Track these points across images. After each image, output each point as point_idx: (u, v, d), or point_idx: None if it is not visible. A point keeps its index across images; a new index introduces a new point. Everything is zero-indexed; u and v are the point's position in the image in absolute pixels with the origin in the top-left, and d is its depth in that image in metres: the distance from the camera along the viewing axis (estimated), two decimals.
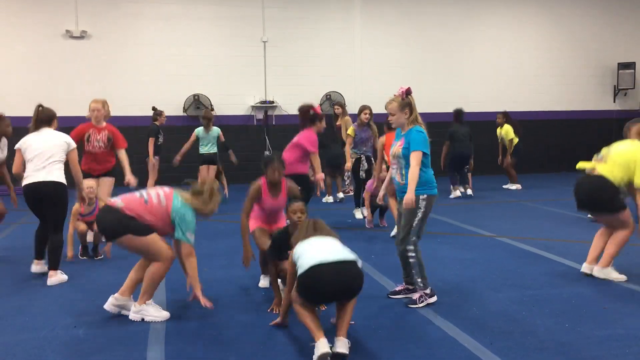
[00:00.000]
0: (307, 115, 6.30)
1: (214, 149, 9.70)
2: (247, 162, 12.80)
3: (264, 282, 5.05)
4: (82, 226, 6.23)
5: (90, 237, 6.46)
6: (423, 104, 13.82)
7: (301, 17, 13.17)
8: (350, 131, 8.28)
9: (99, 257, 6.23)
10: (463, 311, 4.39)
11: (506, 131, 11.36)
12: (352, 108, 13.21)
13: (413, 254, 4.51)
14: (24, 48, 11.91)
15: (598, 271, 5.19)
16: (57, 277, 5.27)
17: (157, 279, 4.27)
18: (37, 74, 11.94)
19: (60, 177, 5.33)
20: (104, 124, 6.59)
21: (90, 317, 4.36)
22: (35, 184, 5.24)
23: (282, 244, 4.30)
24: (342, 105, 10.37)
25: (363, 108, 8.28)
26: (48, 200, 5.29)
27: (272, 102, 12.99)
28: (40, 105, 5.61)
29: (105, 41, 12.28)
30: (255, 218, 4.93)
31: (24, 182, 5.31)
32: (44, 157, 5.27)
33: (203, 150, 9.67)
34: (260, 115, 13.10)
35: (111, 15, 12.29)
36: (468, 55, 14.12)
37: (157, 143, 10.06)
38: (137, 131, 12.11)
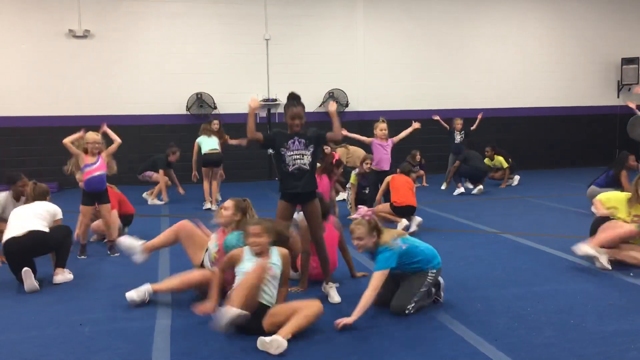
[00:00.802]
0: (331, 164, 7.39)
1: (217, 148, 9.33)
2: (250, 159, 12.83)
3: None
4: (86, 220, 6.22)
5: (94, 237, 6.49)
6: (426, 101, 13.98)
7: (303, 14, 13.16)
8: (352, 180, 8.42)
9: (115, 254, 6.23)
10: (467, 308, 4.38)
11: (499, 162, 11.58)
12: (356, 105, 13.28)
13: (411, 308, 4.26)
14: (27, 48, 11.93)
15: (588, 247, 5.31)
16: (63, 276, 5.25)
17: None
18: (40, 74, 11.96)
19: (46, 229, 5.21)
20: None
21: (95, 314, 4.37)
22: (18, 238, 5.01)
23: (278, 138, 4.53)
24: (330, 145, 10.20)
25: (365, 158, 8.42)
26: (39, 249, 5.14)
27: (275, 100, 12.99)
28: (34, 182, 5.71)
29: (108, 40, 12.29)
30: None
31: (5, 238, 5.10)
32: (28, 216, 5.23)
33: (205, 149, 9.25)
34: (263, 113, 13.09)
35: (114, 15, 12.30)
36: (471, 51, 14.09)
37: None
38: (139, 130, 12.16)
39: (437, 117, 11.41)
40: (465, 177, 10.64)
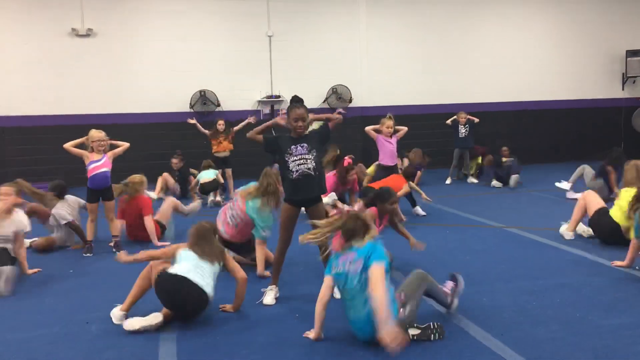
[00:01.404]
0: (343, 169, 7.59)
1: (214, 177, 9.49)
2: (254, 157, 12.82)
3: (268, 298, 4.62)
4: (92, 217, 6.25)
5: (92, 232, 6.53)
6: (430, 96, 13.93)
7: (306, 10, 13.14)
8: (371, 170, 8.37)
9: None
10: (473, 302, 4.38)
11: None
12: (359, 101, 13.25)
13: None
14: (30, 47, 11.94)
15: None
16: None
17: None
18: (44, 73, 11.98)
19: None
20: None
21: (102, 313, 4.37)
22: None
23: (281, 143, 4.49)
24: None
25: None
26: None
27: (279, 96, 12.98)
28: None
29: (111, 39, 12.30)
30: None
31: None
32: None
33: (202, 180, 9.44)
34: (266, 110, 13.09)
35: (116, 13, 12.30)
36: (475, 46, 14.03)
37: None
38: (143, 128, 12.18)
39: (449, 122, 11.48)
40: (497, 175, 10.56)
